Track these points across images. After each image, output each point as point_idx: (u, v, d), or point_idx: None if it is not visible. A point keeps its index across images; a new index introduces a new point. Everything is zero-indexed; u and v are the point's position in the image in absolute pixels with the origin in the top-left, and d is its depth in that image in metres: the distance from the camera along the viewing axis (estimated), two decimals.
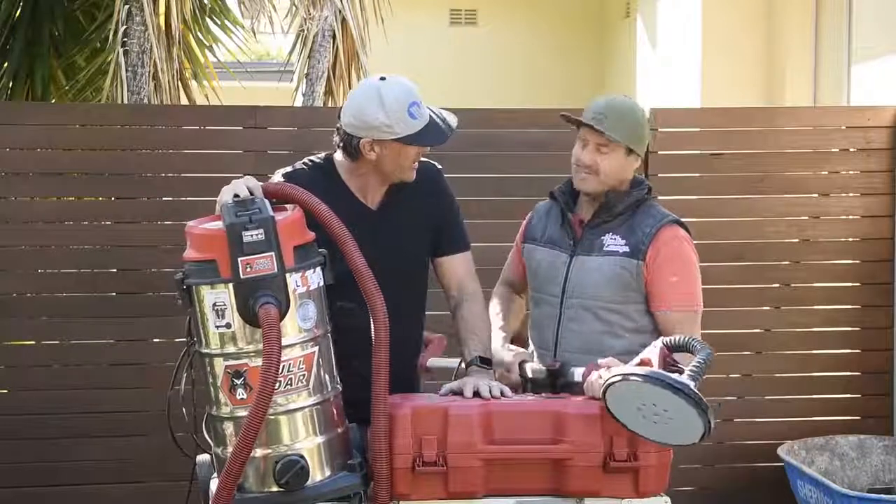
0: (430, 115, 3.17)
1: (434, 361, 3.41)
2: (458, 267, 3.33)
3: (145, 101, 6.61)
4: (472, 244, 3.43)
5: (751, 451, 5.42)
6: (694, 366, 2.80)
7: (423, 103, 3.15)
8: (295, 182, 3.13)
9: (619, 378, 2.80)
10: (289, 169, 3.26)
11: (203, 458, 2.98)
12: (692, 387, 2.72)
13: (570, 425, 2.91)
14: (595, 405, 2.93)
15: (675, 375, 2.77)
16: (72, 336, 5.20)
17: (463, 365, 3.27)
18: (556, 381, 3.23)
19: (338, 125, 3.20)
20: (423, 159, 3.29)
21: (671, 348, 2.93)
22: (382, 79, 3.14)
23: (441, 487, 2.88)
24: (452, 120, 3.22)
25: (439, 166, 3.38)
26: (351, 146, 3.16)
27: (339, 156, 3.25)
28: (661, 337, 3.01)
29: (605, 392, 2.83)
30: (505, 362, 3.34)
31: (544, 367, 3.27)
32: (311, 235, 2.90)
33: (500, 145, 5.36)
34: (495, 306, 3.54)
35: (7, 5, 7.54)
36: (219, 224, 2.80)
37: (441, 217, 3.32)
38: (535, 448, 2.92)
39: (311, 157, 3.32)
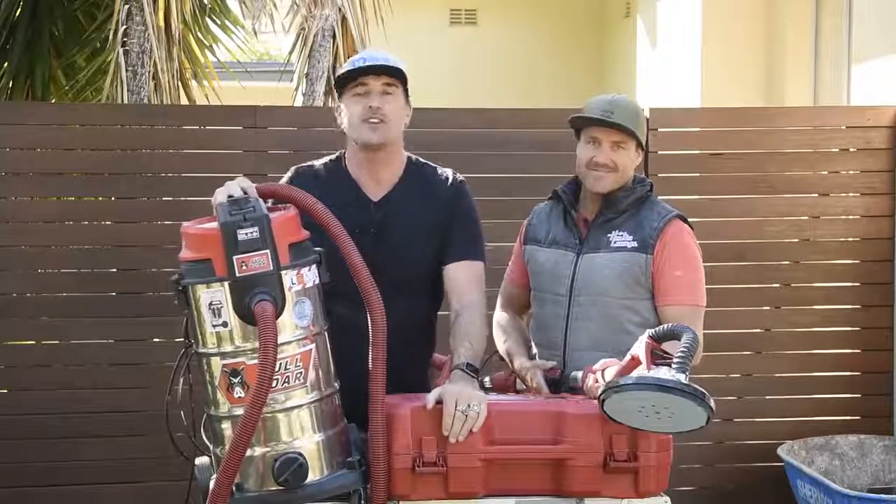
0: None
1: None
2: (459, 275, 3.22)
3: (145, 101, 6.62)
4: None
5: (751, 451, 5.42)
6: (679, 355, 2.78)
7: (374, 58, 3.21)
8: (303, 177, 3.27)
9: (610, 391, 2.78)
10: (303, 165, 3.35)
11: (202, 460, 2.98)
12: (682, 380, 2.71)
13: (570, 425, 2.91)
14: (595, 405, 2.92)
15: (664, 372, 2.76)
16: (72, 336, 5.20)
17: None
18: (558, 389, 3.23)
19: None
20: (449, 171, 3.33)
21: (658, 339, 2.93)
22: None
23: (441, 488, 2.87)
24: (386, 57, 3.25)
25: (463, 179, 3.35)
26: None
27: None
28: (647, 330, 2.99)
29: (602, 405, 2.82)
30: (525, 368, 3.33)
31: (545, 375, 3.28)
32: (306, 234, 2.90)
33: (500, 145, 5.36)
34: (500, 335, 3.49)
35: (7, 5, 7.55)
36: (213, 224, 2.81)
37: (445, 221, 3.26)
38: (535, 448, 2.92)
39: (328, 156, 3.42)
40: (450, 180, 3.33)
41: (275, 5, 7.86)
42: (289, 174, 3.33)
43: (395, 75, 3.22)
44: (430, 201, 3.28)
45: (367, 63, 3.20)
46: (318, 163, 3.36)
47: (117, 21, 6.63)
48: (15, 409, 5.10)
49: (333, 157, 3.38)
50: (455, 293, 3.22)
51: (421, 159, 3.38)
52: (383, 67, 3.20)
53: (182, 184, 5.25)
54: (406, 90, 3.26)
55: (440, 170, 3.36)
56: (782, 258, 5.47)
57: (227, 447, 2.77)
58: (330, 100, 8.13)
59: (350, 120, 3.23)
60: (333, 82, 3.30)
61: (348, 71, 3.22)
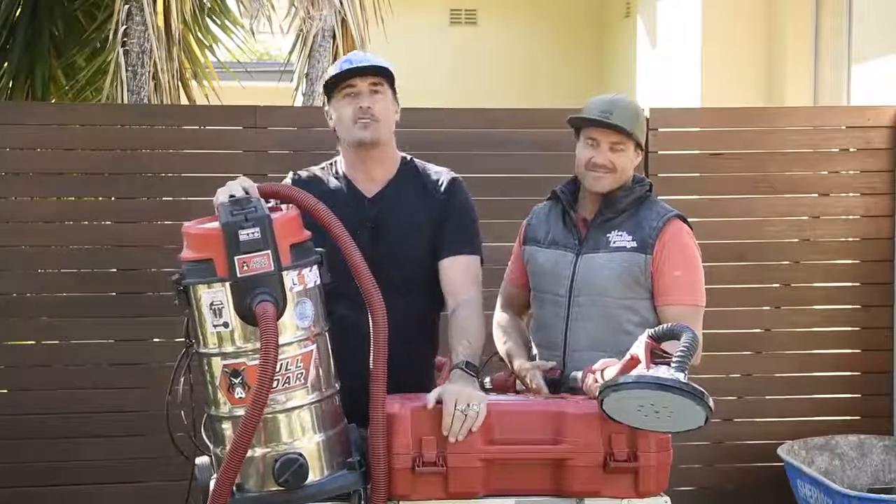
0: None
1: None
2: (455, 271, 3.22)
3: (145, 101, 6.62)
4: None
5: (751, 451, 5.42)
6: (679, 354, 2.79)
7: (360, 60, 3.25)
8: (300, 181, 3.29)
9: (609, 390, 2.79)
10: (298, 171, 3.37)
11: (202, 460, 2.98)
12: (681, 378, 2.72)
13: (570, 425, 2.91)
14: (595, 405, 2.92)
15: (662, 370, 2.76)
16: (72, 336, 5.20)
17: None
18: (558, 389, 3.23)
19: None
20: (443, 169, 3.33)
21: (657, 339, 2.93)
22: None
23: (441, 488, 2.88)
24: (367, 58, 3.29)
25: (457, 176, 3.35)
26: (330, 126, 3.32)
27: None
28: (646, 329, 2.99)
29: (601, 404, 2.82)
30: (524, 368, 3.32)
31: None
32: (308, 234, 2.91)
33: (500, 145, 5.36)
34: (500, 336, 3.48)
35: (7, 5, 7.55)
36: (215, 224, 2.81)
37: (440, 218, 3.26)
38: (535, 448, 2.92)
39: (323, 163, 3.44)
40: (444, 178, 3.33)
41: (272, 6, 7.85)
42: (286, 180, 3.34)
43: (382, 74, 3.24)
44: (425, 198, 3.29)
45: (354, 65, 3.22)
46: (313, 168, 3.39)
47: (117, 21, 6.63)
48: (15, 409, 5.10)
49: (328, 162, 3.40)
50: (451, 290, 3.22)
51: (415, 158, 3.38)
52: (370, 67, 3.22)
53: (182, 184, 5.25)
54: (393, 88, 3.28)
55: (435, 168, 3.37)
56: (782, 258, 5.47)
57: (227, 447, 2.78)
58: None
59: (342, 122, 3.25)
60: (322, 87, 3.31)
61: (335, 74, 3.24)
